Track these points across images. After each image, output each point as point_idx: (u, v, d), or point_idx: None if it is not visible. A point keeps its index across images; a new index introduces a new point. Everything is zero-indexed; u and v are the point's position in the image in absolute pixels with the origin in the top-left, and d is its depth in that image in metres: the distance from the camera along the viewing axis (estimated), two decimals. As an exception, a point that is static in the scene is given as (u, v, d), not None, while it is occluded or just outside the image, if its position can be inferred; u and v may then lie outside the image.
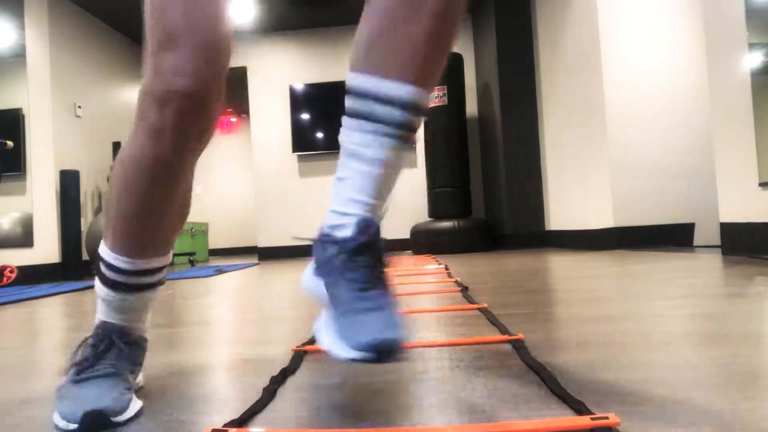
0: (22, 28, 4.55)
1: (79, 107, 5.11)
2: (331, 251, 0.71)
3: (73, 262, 4.55)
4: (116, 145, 5.34)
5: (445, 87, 5.19)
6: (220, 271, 4.16)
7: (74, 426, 0.66)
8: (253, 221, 10.18)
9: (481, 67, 5.86)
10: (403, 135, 0.72)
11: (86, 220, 5.09)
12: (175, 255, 5.97)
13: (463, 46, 6.24)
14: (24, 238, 4.45)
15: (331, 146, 6.20)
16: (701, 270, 2.10)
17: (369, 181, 0.72)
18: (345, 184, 0.74)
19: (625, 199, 3.73)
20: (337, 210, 0.74)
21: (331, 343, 0.66)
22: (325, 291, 0.72)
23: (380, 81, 0.71)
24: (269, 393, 0.77)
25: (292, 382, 0.84)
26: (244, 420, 0.67)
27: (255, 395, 0.77)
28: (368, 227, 0.71)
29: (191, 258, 5.79)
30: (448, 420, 0.63)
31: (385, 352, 0.60)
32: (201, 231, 7.66)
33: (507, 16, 5.16)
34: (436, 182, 5.26)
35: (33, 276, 4.35)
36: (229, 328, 1.44)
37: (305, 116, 6.23)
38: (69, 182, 4.61)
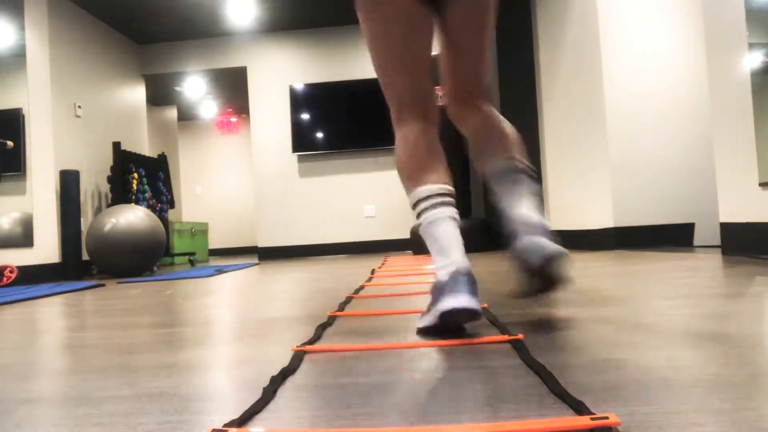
0: (22, 28, 4.55)
1: (79, 107, 5.11)
2: None
3: (73, 262, 4.55)
4: (116, 145, 5.34)
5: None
6: (220, 271, 4.16)
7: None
8: (253, 221, 10.18)
9: (481, 67, 5.86)
10: None
11: (86, 220, 5.09)
12: (175, 255, 5.97)
13: (463, 46, 6.24)
14: (24, 238, 4.45)
15: (331, 146, 6.20)
16: (701, 270, 2.10)
17: None
18: None
19: (625, 199, 3.73)
20: None
21: None
22: None
23: None
24: (269, 393, 0.77)
25: (292, 382, 0.84)
26: (244, 420, 0.67)
27: (255, 395, 0.77)
28: None
29: (191, 258, 5.79)
30: (448, 420, 0.63)
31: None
32: (201, 231, 7.66)
33: (507, 16, 5.16)
34: (436, 182, 5.25)
35: (33, 276, 4.35)
36: (229, 328, 1.44)
37: (305, 116, 6.23)
38: (69, 182, 4.61)
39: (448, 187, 1.18)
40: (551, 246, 1.13)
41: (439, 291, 1.07)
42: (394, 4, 1.18)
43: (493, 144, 1.31)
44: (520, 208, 1.21)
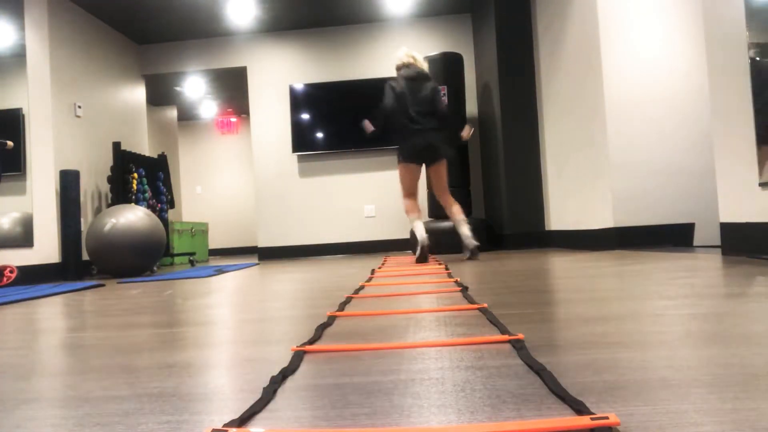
0: (22, 28, 4.55)
1: (79, 107, 5.11)
2: None
3: (73, 262, 4.56)
4: (116, 145, 5.34)
5: (445, 87, 5.19)
6: (220, 271, 4.16)
7: None
8: (253, 221, 10.19)
9: (481, 67, 5.86)
10: None
11: (86, 220, 5.09)
12: (175, 255, 5.97)
13: (463, 46, 6.24)
14: (24, 238, 4.45)
15: (331, 146, 6.20)
16: (701, 270, 2.10)
17: None
18: None
19: (625, 199, 3.73)
20: None
21: None
22: None
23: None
24: (269, 393, 0.77)
25: (292, 382, 0.84)
26: (244, 420, 0.67)
27: (255, 395, 0.77)
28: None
29: (191, 258, 5.79)
30: (448, 420, 0.63)
31: None
32: (201, 231, 7.65)
33: (507, 16, 5.16)
34: (436, 182, 5.27)
35: (33, 276, 4.36)
36: (229, 328, 1.44)
37: (305, 116, 6.23)
38: (69, 182, 4.62)
39: (419, 215, 3.87)
40: (474, 242, 3.74)
41: (419, 244, 3.67)
42: (411, 170, 3.89)
43: (452, 211, 3.86)
44: (464, 230, 3.78)
